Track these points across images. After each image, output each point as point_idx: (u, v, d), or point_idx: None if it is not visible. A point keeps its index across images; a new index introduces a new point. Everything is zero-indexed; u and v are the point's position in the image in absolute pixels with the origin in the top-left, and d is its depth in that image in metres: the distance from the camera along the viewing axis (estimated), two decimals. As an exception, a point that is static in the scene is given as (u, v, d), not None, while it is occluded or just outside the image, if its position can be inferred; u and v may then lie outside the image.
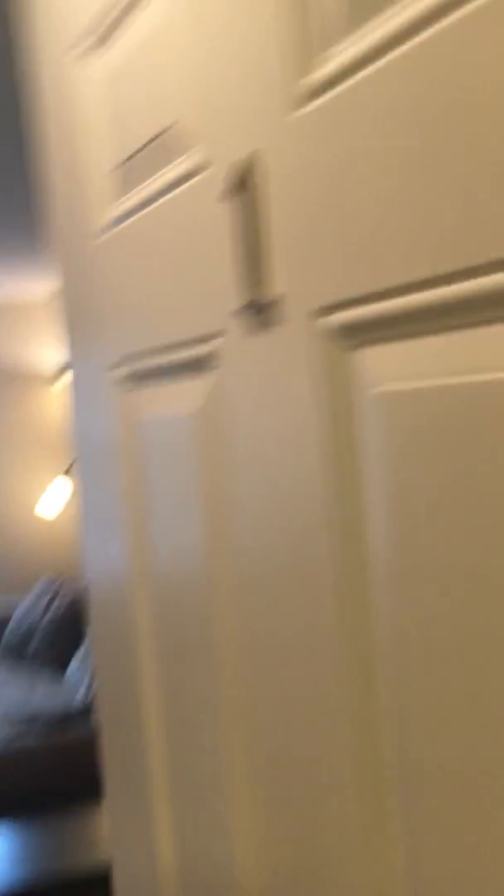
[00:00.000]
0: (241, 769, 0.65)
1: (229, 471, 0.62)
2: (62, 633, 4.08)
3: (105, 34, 0.74)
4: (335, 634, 0.51)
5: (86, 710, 2.55)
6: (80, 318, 0.88)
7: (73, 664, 3.79)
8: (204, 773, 0.71)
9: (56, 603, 4.18)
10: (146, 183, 0.70)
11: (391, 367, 0.45)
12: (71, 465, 4.86)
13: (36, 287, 4.66)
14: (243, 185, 0.54)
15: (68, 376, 0.96)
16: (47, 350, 4.98)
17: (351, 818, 0.51)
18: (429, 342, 0.43)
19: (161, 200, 0.68)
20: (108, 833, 0.96)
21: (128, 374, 0.78)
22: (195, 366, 0.67)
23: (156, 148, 0.68)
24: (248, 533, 0.60)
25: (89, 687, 3.13)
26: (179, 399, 0.70)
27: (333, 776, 0.52)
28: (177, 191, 0.65)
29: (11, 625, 4.28)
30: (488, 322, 0.38)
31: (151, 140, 0.68)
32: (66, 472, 4.87)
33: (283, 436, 0.54)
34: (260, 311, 0.55)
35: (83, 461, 0.93)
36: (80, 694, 3.25)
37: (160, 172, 0.67)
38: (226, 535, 0.64)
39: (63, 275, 0.91)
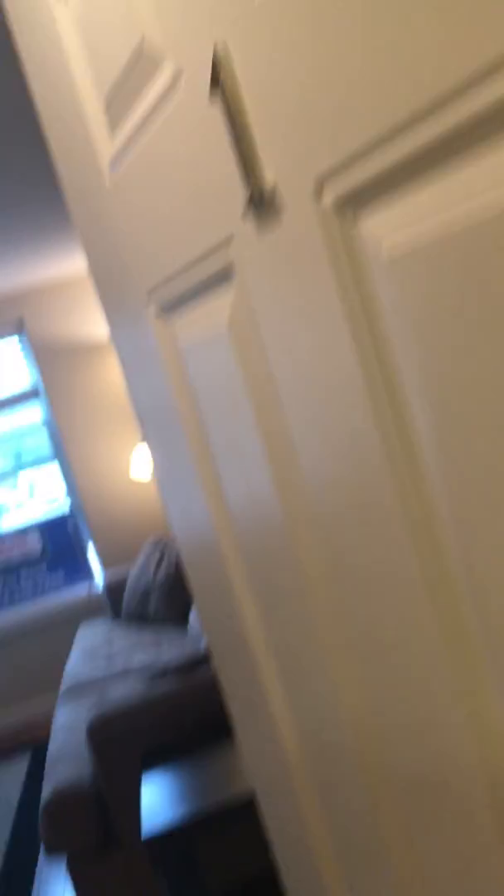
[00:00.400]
0: (340, 657, 0.66)
1: (271, 379, 0.62)
2: (176, 589, 4.21)
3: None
4: (397, 509, 0.51)
5: (189, 663, 2.64)
6: (103, 262, 0.89)
7: (192, 616, 3.92)
8: (309, 671, 0.73)
9: (164, 562, 4.31)
10: (134, 110, 0.70)
11: (395, 227, 0.45)
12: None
13: (53, 268, 4.72)
14: (216, 81, 0.53)
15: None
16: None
17: (437, 672, 0.52)
18: (424, 191, 0.42)
19: (151, 123, 0.67)
20: (242, 750, 1.00)
21: (160, 305, 0.79)
22: (217, 279, 0.67)
23: (133, 72, 0.67)
24: (302, 433, 0.61)
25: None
26: (210, 317, 0.70)
27: (419, 642, 0.53)
28: (162, 108, 0.64)
29: (128, 591, 4.43)
30: (472, 149, 0.37)
31: (128, 65, 0.67)
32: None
33: (309, 323, 0.54)
34: (261, 204, 0.54)
35: (142, 412, 0.95)
36: (204, 640, 3.36)
37: (142, 95, 0.67)
38: (283, 441, 0.64)
39: (80, 224, 0.91)
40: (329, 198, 0.48)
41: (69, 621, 5.04)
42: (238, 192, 0.57)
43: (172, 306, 0.77)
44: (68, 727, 2.99)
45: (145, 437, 0.97)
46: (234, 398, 0.70)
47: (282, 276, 0.55)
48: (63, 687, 3.59)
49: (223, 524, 0.82)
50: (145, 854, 2.43)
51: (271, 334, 0.60)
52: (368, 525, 0.55)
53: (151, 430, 0.93)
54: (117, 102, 0.72)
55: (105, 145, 0.77)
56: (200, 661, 2.64)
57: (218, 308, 0.68)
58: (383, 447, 0.50)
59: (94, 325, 5.10)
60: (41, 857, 3.31)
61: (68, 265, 4.74)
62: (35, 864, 3.27)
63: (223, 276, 0.66)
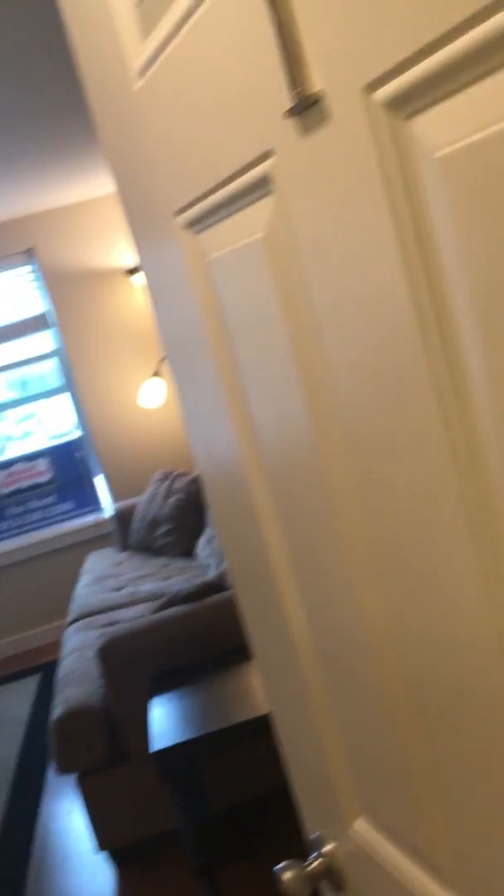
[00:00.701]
0: (367, 578, 0.67)
1: (307, 295, 0.61)
2: (183, 521, 4.25)
3: None
4: (439, 429, 0.51)
5: (219, 584, 2.68)
6: (129, 177, 0.87)
7: (200, 546, 3.97)
8: (334, 592, 0.74)
9: (172, 494, 4.34)
10: (169, 8, 0.67)
11: (446, 126, 0.43)
12: (163, 359, 4.92)
13: (105, 184, 4.63)
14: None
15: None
16: (124, 244, 4.98)
17: (469, 591, 0.53)
18: (476, 91, 0.40)
19: (188, 24, 0.65)
20: (260, 671, 1.02)
21: (190, 220, 0.77)
22: (253, 192, 0.65)
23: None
24: (340, 350, 0.60)
25: (219, 564, 3.27)
26: (244, 232, 0.69)
27: (452, 560, 0.54)
28: (200, 7, 0.62)
29: (135, 522, 4.48)
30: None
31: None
32: (159, 366, 4.95)
33: (353, 231, 0.53)
34: (306, 110, 0.53)
35: (167, 334, 0.94)
36: (211, 571, 3.41)
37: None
38: (318, 359, 0.64)
39: (105, 137, 0.89)
40: (379, 100, 0.47)
41: (78, 550, 5.12)
42: (281, 99, 0.55)
43: (203, 221, 0.76)
44: (78, 650, 3.06)
45: (169, 360, 0.97)
46: (266, 315, 0.69)
47: (325, 185, 0.54)
48: (72, 613, 3.66)
49: (249, 447, 0.82)
50: (152, 770, 2.51)
51: (310, 245, 0.58)
52: (407, 445, 0.55)
53: (177, 351, 0.93)
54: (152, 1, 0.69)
55: (135, 48, 0.75)
56: (208, 590, 2.68)
57: (252, 222, 0.67)
58: (427, 364, 0.50)
59: (106, 251, 5.03)
60: (49, 772, 3.42)
61: (80, 190, 4.65)
62: (43, 779, 3.38)
63: (259, 189, 0.64)
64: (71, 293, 5.02)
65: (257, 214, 0.66)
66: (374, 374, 0.55)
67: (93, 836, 2.52)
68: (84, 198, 4.89)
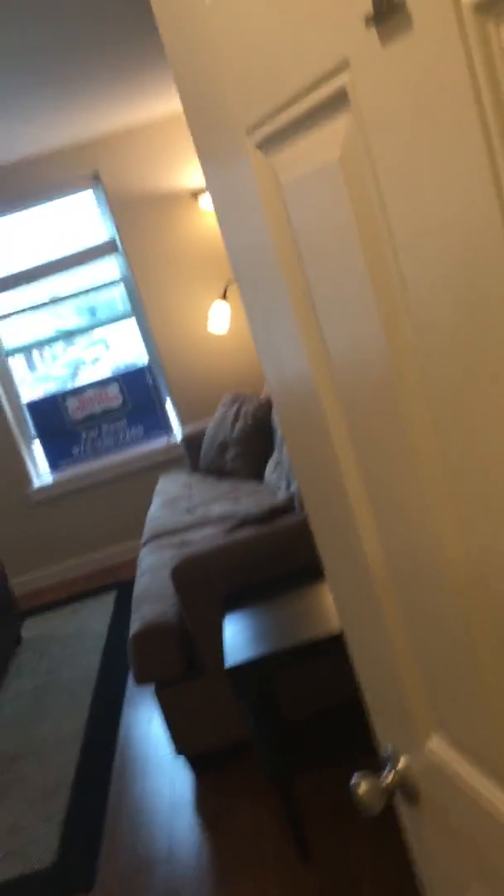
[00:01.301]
0: (443, 499, 0.67)
1: (386, 217, 0.59)
2: (252, 444, 4.29)
3: None
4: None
5: (288, 506, 2.71)
6: (197, 94, 0.84)
7: (268, 470, 4.00)
8: (409, 515, 0.74)
9: (241, 418, 4.37)
10: None
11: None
12: (230, 283, 4.87)
13: (169, 104, 4.53)
14: None
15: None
16: (190, 166, 4.91)
17: None
18: None
19: None
20: (332, 590, 1.04)
21: (261, 138, 0.75)
22: (328, 108, 0.63)
23: None
24: (419, 268, 0.58)
25: (288, 487, 3.30)
26: (318, 150, 0.67)
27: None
28: None
29: (205, 445, 4.54)
30: None
31: None
32: (226, 290, 4.91)
33: (439, 146, 0.50)
34: (388, 15, 0.50)
35: (237, 257, 0.93)
36: (280, 493, 3.44)
37: None
38: (395, 285, 0.62)
39: (172, 52, 0.86)
40: (467, 3, 0.44)
41: (150, 473, 5.22)
42: (359, 5, 0.53)
43: (275, 140, 0.74)
44: (152, 569, 3.16)
45: (239, 284, 0.96)
46: (342, 238, 0.67)
47: (407, 97, 0.51)
48: (146, 534, 3.77)
49: (323, 373, 0.82)
50: (227, 683, 2.60)
51: (390, 163, 0.56)
52: (491, 376, 0.54)
53: (247, 275, 0.91)
54: None
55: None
56: (277, 512, 2.72)
57: (327, 139, 0.65)
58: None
59: (172, 174, 4.96)
60: (128, 682, 3.58)
61: (144, 111, 4.56)
62: (123, 689, 3.55)
63: (335, 105, 0.62)
64: (137, 218, 4.98)
65: (333, 132, 0.64)
66: (456, 300, 0.54)
67: (171, 742, 2.65)
68: (148, 119, 4.79)
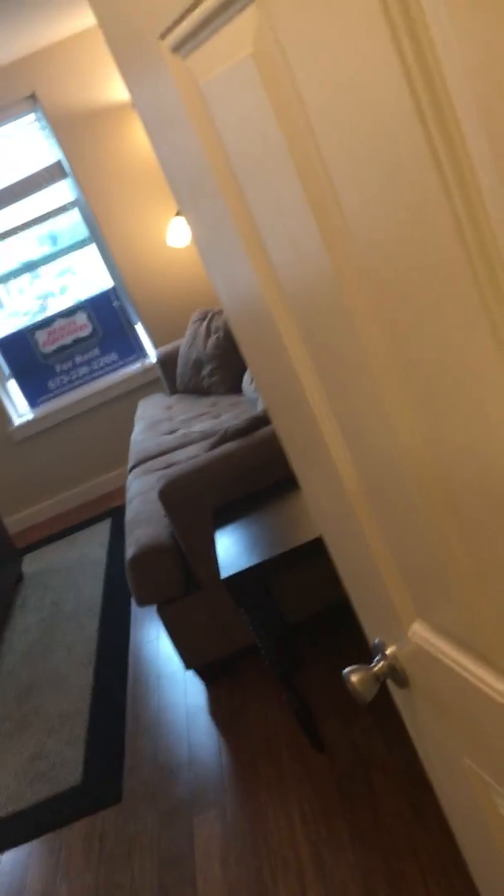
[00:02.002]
0: (396, 398, 0.67)
1: (304, 114, 0.58)
2: (226, 358, 4.26)
3: None
4: (453, 235, 0.49)
5: (268, 417, 2.72)
6: (108, 8, 0.80)
7: (245, 382, 3.99)
8: (368, 417, 0.74)
9: (213, 333, 4.33)
10: None
11: None
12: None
13: (81, 19, 4.30)
14: None
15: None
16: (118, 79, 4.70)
17: (494, 395, 0.53)
18: None
19: None
20: (307, 499, 1.06)
21: (176, 41, 0.72)
22: (236, 3, 0.60)
23: None
24: (343, 168, 0.57)
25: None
26: (233, 45, 0.64)
27: (474, 367, 0.53)
28: None
29: (180, 365, 4.51)
30: None
31: None
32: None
33: (344, 35, 0.49)
34: None
35: (172, 174, 0.90)
36: (259, 405, 3.45)
37: None
38: (320, 179, 0.61)
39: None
40: None
41: (128, 398, 5.21)
42: None
43: (189, 41, 0.70)
44: (142, 494, 3.19)
45: (179, 202, 0.93)
46: (265, 139, 0.65)
47: (308, -16, 0.49)
48: (131, 459, 3.79)
49: (270, 285, 0.81)
50: (225, 595, 2.67)
51: (300, 55, 0.54)
52: (422, 259, 0.53)
53: (185, 191, 0.89)
54: None
55: None
56: (258, 423, 2.73)
57: (239, 36, 0.62)
58: (434, 171, 0.47)
59: (110, 85, 4.75)
60: (132, 606, 3.67)
61: (73, 21, 4.33)
62: (128, 612, 3.64)
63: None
64: (81, 136, 4.80)
65: (243, 27, 0.61)
66: (378, 175, 0.53)
67: (179, 657, 2.73)
68: (79, 29, 4.56)
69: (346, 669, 1.01)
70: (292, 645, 2.88)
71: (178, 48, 0.72)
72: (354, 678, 0.99)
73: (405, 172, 0.49)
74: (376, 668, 1.01)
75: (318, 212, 0.64)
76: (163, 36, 0.73)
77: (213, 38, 0.67)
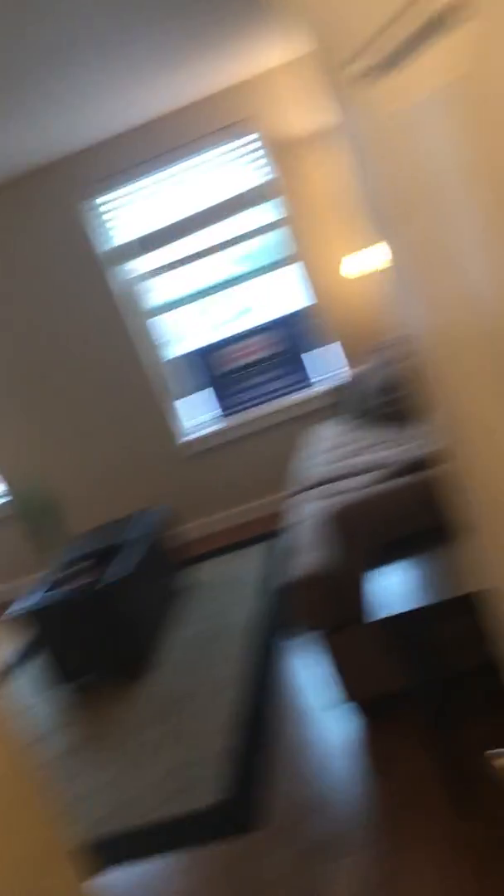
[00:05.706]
0: None
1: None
2: (405, 391, 4.16)
3: None
4: None
5: (432, 458, 2.61)
6: (313, 32, 0.78)
7: (424, 416, 3.87)
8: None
9: (394, 364, 4.24)
10: None
11: None
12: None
13: (276, 53, 4.39)
14: None
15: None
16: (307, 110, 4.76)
17: None
18: None
19: None
20: (485, 548, 0.98)
21: (363, 67, 0.68)
22: (443, 22, 0.56)
23: None
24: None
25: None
26: (434, 71, 0.59)
27: None
28: None
29: (362, 392, 4.45)
30: None
31: None
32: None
33: None
34: None
35: (377, 197, 0.86)
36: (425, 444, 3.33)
37: None
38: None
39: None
40: None
41: (303, 421, 5.22)
42: None
43: (380, 69, 0.67)
44: (308, 518, 3.16)
45: (379, 227, 0.90)
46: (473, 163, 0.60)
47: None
48: (299, 483, 3.77)
49: (475, 311, 0.75)
50: (384, 632, 2.58)
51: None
52: None
53: (391, 217, 0.85)
54: None
55: None
56: (436, 460, 2.62)
57: (445, 56, 0.57)
58: None
59: (320, 111, 4.81)
60: (283, 633, 3.63)
61: (290, 47, 4.43)
62: (278, 639, 3.61)
63: (453, 17, 0.54)
64: (294, 159, 4.89)
65: (451, 46, 0.56)
66: None
67: (340, 688, 2.67)
68: (298, 55, 4.66)
69: (489, 752, 0.92)
70: (445, 697, 2.73)
71: (367, 75, 0.69)
72: (501, 762, 0.90)
73: None
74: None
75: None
76: (347, 70, 0.70)
77: (417, 61, 0.63)
